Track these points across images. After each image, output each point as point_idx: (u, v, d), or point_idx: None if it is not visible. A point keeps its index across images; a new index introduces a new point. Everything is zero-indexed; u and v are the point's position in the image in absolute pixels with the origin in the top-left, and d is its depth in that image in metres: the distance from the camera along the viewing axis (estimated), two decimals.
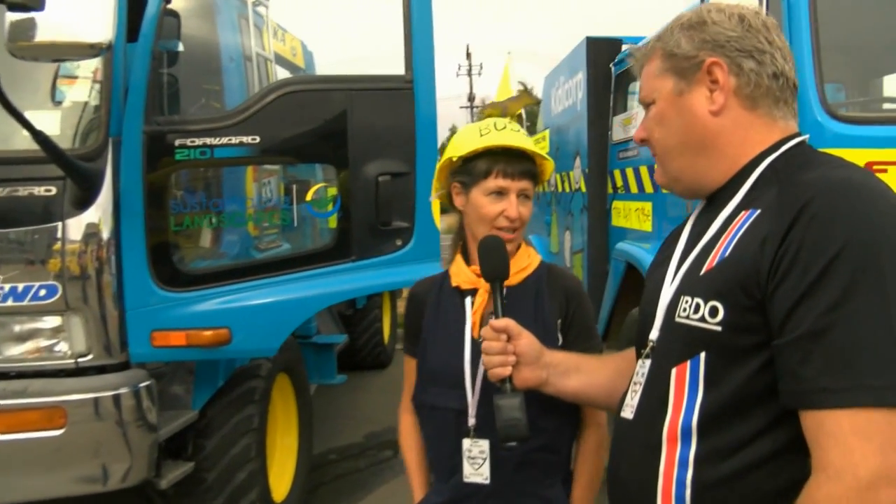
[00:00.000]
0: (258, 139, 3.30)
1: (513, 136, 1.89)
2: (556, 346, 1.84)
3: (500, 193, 1.87)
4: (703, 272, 1.25)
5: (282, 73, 6.20)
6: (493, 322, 1.64)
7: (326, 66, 8.03)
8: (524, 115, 10.12)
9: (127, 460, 3.18)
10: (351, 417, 6.75)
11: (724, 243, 1.23)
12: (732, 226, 1.23)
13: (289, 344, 4.40)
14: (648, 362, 1.35)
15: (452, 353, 1.87)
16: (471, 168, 1.90)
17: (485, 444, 1.83)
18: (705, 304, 1.20)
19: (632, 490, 1.34)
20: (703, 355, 1.21)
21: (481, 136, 1.89)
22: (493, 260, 1.74)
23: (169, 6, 3.37)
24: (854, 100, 4.41)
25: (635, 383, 1.39)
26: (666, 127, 1.37)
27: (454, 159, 1.92)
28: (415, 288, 2.06)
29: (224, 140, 3.26)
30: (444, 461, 1.91)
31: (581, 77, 6.63)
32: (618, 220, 6.12)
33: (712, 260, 1.24)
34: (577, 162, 6.83)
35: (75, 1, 2.44)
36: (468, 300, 1.91)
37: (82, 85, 3.35)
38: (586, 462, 1.95)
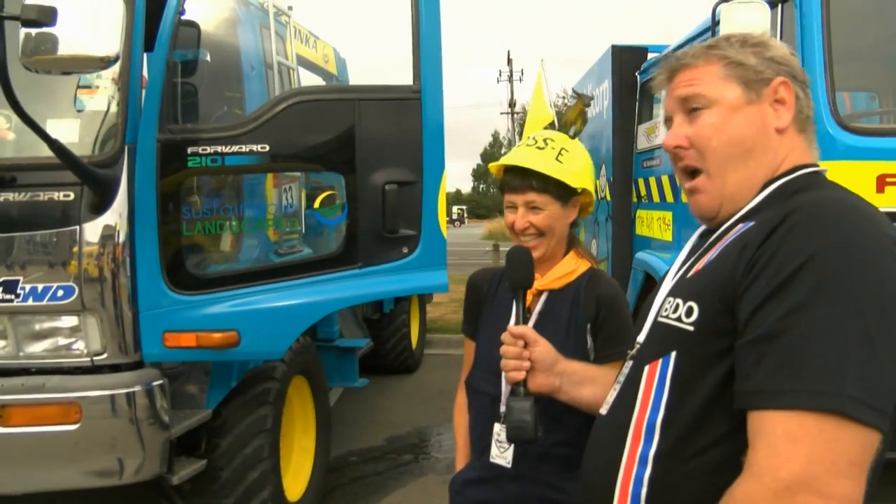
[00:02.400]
0: (268, 147, 3.38)
1: (524, 152, 2.05)
2: (585, 348, 1.99)
3: (512, 207, 2.06)
4: (690, 275, 1.30)
5: (313, 80, 6.32)
6: (511, 328, 1.75)
7: (355, 74, 8.12)
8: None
9: (139, 456, 3.28)
10: (374, 421, 6.81)
11: (714, 250, 1.28)
12: (727, 235, 1.28)
13: (306, 347, 4.49)
14: (631, 363, 1.39)
15: (496, 342, 2.01)
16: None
17: None
18: (684, 303, 1.25)
19: (594, 484, 1.37)
20: (673, 354, 1.24)
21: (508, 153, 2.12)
22: (517, 270, 1.87)
23: (188, 17, 3.48)
24: (870, 111, 4.34)
25: (616, 382, 1.43)
26: (728, 134, 1.34)
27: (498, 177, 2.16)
28: (475, 277, 2.27)
29: (235, 148, 3.35)
30: (478, 441, 2.09)
31: (607, 85, 6.63)
32: (641, 230, 6.10)
33: (700, 264, 1.29)
34: (603, 170, 6.82)
35: (86, 16, 2.55)
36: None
37: (102, 94, 3.47)
38: None
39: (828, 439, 1.00)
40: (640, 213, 6.11)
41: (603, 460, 1.35)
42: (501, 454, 1.99)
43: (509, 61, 50.05)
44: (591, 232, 7.47)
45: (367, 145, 3.43)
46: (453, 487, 2.16)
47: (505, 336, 1.75)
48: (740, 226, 1.26)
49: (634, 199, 6.26)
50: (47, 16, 2.45)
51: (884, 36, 3.98)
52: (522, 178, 2.02)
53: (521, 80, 47.64)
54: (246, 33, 4.54)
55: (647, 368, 1.29)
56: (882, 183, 3.16)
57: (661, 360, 1.26)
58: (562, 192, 2.03)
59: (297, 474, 4.59)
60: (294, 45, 5.36)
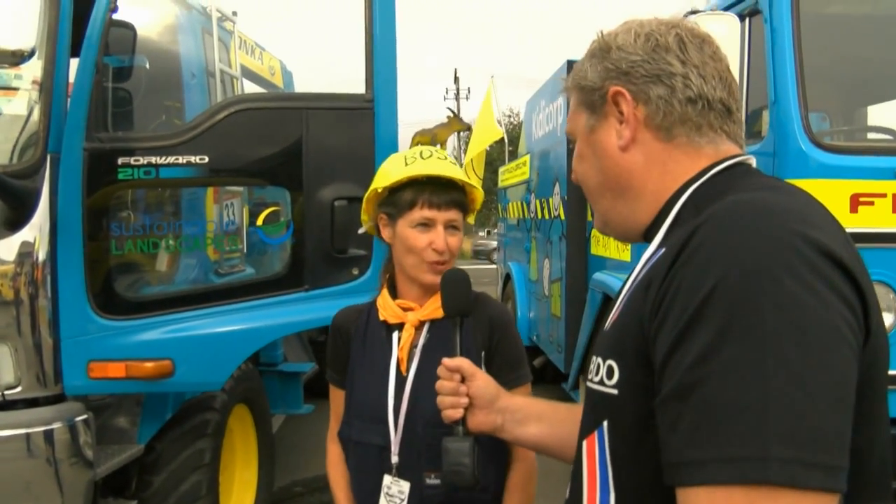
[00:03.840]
0: (207, 159, 3.12)
1: (439, 164, 1.84)
2: None
3: (427, 225, 1.82)
4: (608, 327, 1.08)
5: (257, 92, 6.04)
6: (446, 361, 1.54)
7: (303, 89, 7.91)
8: (506, 139, 9.99)
9: (57, 501, 2.96)
10: (320, 447, 6.29)
11: (628, 293, 1.06)
12: (642, 271, 1.05)
13: (248, 373, 4.21)
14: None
15: (377, 388, 1.83)
16: (396, 199, 1.85)
17: (405, 486, 1.78)
18: (604, 363, 1.03)
19: None
20: (605, 424, 1.03)
21: (406, 165, 1.84)
22: (457, 295, 1.65)
23: (122, 18, 3.21)
24: (840, 128, 4.28)
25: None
26: (585, 166, 1.22)
27: (379, 190, 1.87)
28: (339, 318, 2.00)
29: (170, 160, 3.08)
30: (366, 498, 1.85)
31: (561, 101, 6.52)
32: (597, 249, 5.98)
33: (616, 312, 1.07)
34: (557, 188, 6.70)
35: None
36: (395, 335, 1.86)
37: (21, 97, 3.15)
38: (513, 497, 1.87)
39: None
40: (596, 232, 5.98)
41: None
42: None
43: (456, 79, 50.17)
44: (543, 251, 7.33)
45: (314, 158, 3.19)
46: None
47: (440, 370, 1.54)
48: (654, 255, 1.04)
49: (590, 218, 6.14)
50: None
51: (849, 56, 3.92)
52: (446, 194, 1.82)
53: (467, 98, 47.86)
54: (187, 38, 4.27)
55: (585, 444, 1.08)
56: (855, 203, 3.05)
57: (596, 433, 1.05)
58: (466, 212, 1.90)
59: None
60: (238, 55, 5.10)
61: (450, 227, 1.83)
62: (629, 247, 5.08)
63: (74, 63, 3.11)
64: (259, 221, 3.45)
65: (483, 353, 1.84)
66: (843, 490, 0.80)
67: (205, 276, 3.80)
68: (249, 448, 4.44)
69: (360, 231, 2.05)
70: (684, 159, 1.11)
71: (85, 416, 3.09)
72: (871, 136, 4.36)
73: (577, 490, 1.09)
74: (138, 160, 3.06)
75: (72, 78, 3.11)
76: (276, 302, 3.21)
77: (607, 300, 5.00)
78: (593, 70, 1.16)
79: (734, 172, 1.08)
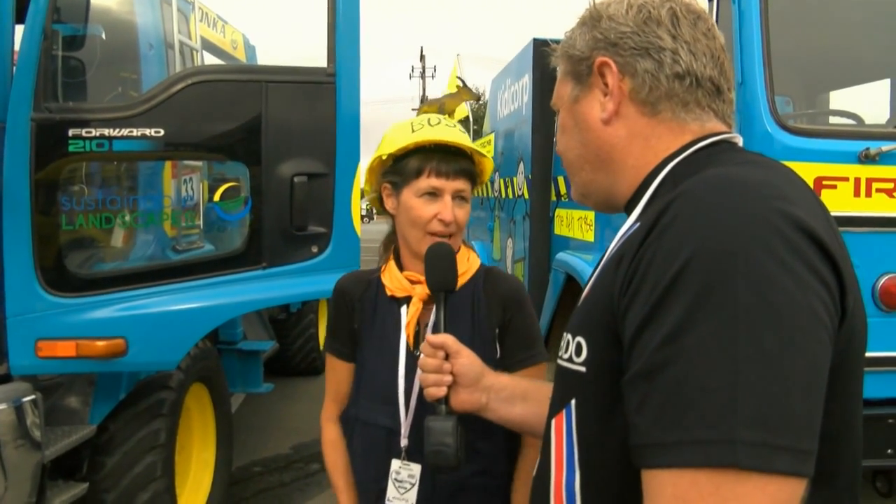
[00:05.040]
0: (162, 132, 3.02)
1: (447, 131, 1.75)
2: (495, 357, 1.74)
3: (434, 194, 1.73)
4: (580, 303, 1.06)
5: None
6: (430, 337, 1.50)
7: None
8: (471, 118, 9.95)
9: (1, 485, 2.86)
10: (279, 427, 6.49)
11: (599, 267, 1.05)
12: (615, 246, 1.03)
13: (206, 352, 4.14)
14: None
15: (387, 366, 1.75)
16: (402, 167, 1.76)
17: (416, 469, 1.71)
18: (573, 340, 1.01)
19: None
20: (573, 403, 1.00)
21: (413, 131, 1.75)
22: (440, 270, 1.60)
23: None
24: (804, 111, 4.30)
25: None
26: (566, 138, 1.19)
27: (384, 157, 1.78)
28: (343, 284, 1.89)
29: (124, 132, 2.98)
30: (371, 483, 1.78)
31: (527, 80, 6.48)
32: (560, 229, 5.97)
33: (588, 288, 1.06)
34: (521, 167, 6.67)
35: None
36: (403, 309, 1.78)
37: None
38: (523, 485, 1.79)
39: (726, 498, 0.77)
40: (560, 211, 5.97)
41: None
42: (402, 495, 1.71)
43: (422, 57, 49.83)
44: (506, 231, 7.32)
45: (274, 132, 3.11)
46: None
47: (424, 346, 1.50)
48: (629, 230, 1.01)
49: (553, 198, 6.12)
50: None
51: (814, 42, 3.93)
52: (455, 162, 1.73)
53: (433, 76, 47.59)
54: (145, 8, 4.14)
55: (553, 422, 1.06)
56: (819, 186, 3.05)
57: (564, 412, 1.03)
58: (475, 181, 1.81)
59: (195, 490, 4.24)
60: (198, 27, 4.96)
61: (458, 197, 1.75)
62: (593, 227, 5.07)
63: (21, 31, 2.99)
64: (216, 197, 3.37)
65: (497, 331, 1.77)
66: (811, 474, 0.78)
67: (161, 252, 3.70)
68: (207, 428, 4.37)
69: (363, 201, 1.98)
70: (667, 135, 1.08)
71: (33, 397, 3.00)
72: (833, 120, 4.40)
73: (545, 468, 1.07)
74: (90, 132, 2.95)
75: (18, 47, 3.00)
76: (233, 279, 3.14)
77: (570, 280, 4.99)
78: (582, 39, 1.13)
79: (717, 149, 1.05)
